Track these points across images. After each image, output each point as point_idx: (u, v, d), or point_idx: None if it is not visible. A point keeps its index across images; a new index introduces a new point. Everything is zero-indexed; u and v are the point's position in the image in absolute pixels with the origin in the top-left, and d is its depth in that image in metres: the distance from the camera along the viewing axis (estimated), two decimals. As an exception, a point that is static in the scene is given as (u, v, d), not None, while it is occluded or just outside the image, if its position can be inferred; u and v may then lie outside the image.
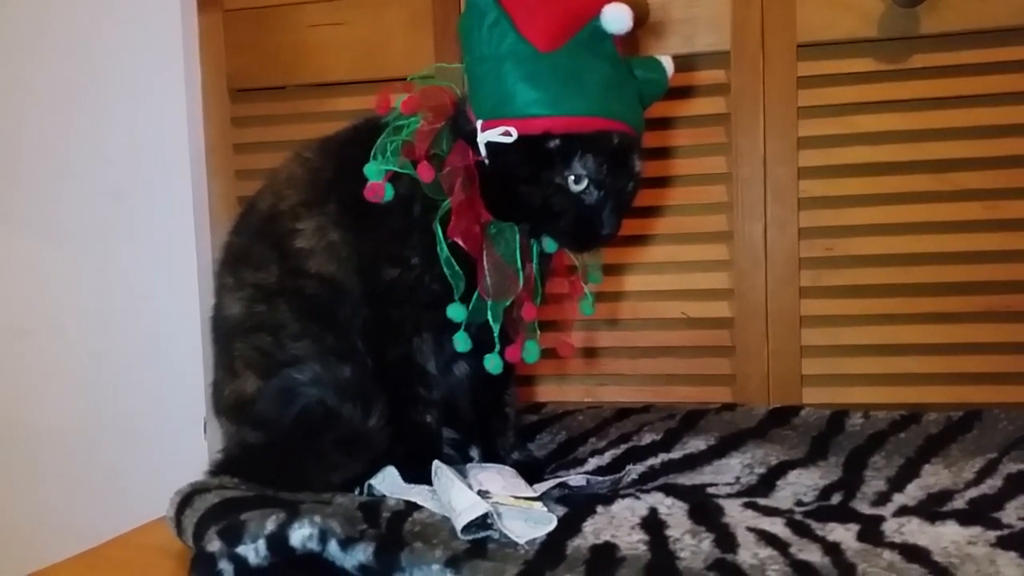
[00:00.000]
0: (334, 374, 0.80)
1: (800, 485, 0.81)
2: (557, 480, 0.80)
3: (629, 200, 0.79)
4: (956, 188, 1.08)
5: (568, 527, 0.68)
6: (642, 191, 0.81)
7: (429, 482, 0.75)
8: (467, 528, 0.66)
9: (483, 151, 0.76)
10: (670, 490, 0.77)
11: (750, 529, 0.67)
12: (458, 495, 0.69)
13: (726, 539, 0.65)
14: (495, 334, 0.78)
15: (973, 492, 0.76)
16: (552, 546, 0.65)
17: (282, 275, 0.83)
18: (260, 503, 0.68)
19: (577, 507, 0.72)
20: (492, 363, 0.79)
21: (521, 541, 0.65)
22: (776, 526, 0.68)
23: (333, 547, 0.63)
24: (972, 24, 1.05)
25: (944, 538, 0.64)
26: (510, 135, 0.74)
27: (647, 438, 0.94)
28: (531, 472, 0.82)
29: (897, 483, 0.80)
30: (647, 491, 0.77)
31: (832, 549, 0.63)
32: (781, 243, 1.12)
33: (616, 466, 0.88)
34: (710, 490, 0.81)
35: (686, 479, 0.84)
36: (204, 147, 1.30)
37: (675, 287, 1.16)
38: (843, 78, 1.10)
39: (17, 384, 1.36)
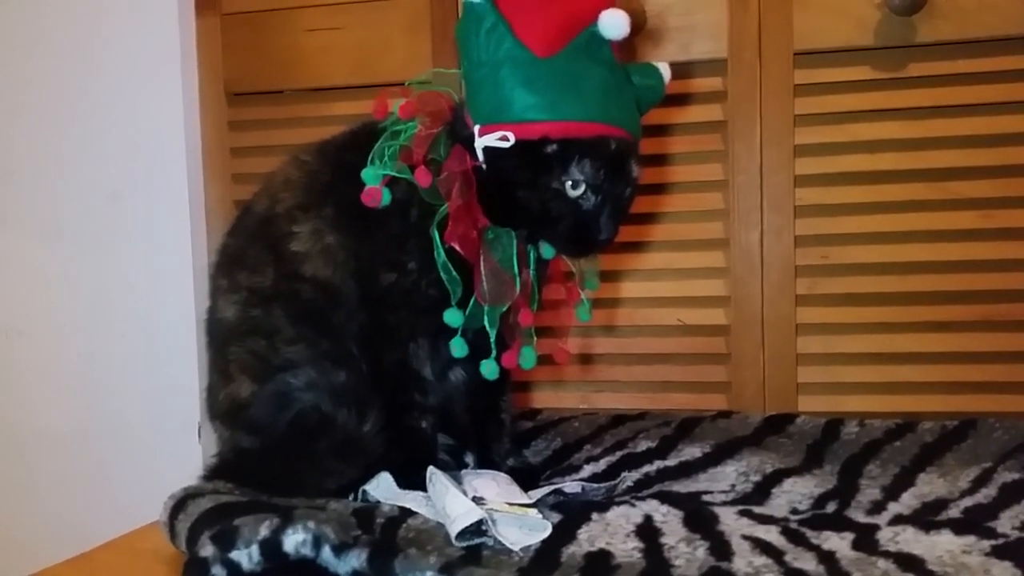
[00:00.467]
0: (329, 379, 0.80)
1: (795, 493, 0.81)
2: (552, 487, 0.80)
3: (627, 205, 0.79)
4: (953, 197, 1.08)
5: (563, 534, 0.68)
6: (639, 198, 0.81)
7: (424, 488, 0.75)
8: (461, 535, 0.66)
9: (480, 156, 0.76)
10: (665, 497, 0.77)
11: (745, 537, 0.67)
12: (453, 501, 0.69)
13: (721, 547, 0.65)
14: (492, 339, 0.78)
15: (968, 501, 0.76)
16: (547, 553, 0.65)
17: (277, 278, 0.83)
18: (254, 508, 0.68)
19: (572, 514, 0.72)
20: (488, 369, 0.78)
21: (516, 548, 0.65)
22: (771, 534, 0.68)
23: (327, 553, 0.63)
24: (968, 33, 1.05)
25: (939, 547, 0.64)
26: (508, 140, 0.74)
27: (642, 445, 0.94)
28: (526, 479, 0.82)
29: (892, 492, 0.80)
30: (642, 498, 0.77)
31: (827, 558, 0.63)
32: (777, 251, 1.12)
33: (611, 473, 0.88)
34: (705, 498, 0.80)
35: (681, 486, 0.84)
36: (201, 151, 1.30)
37: (671, 294, 1.16)
38: (840, 86, 1.10)
39: (11, 386, 1.35)
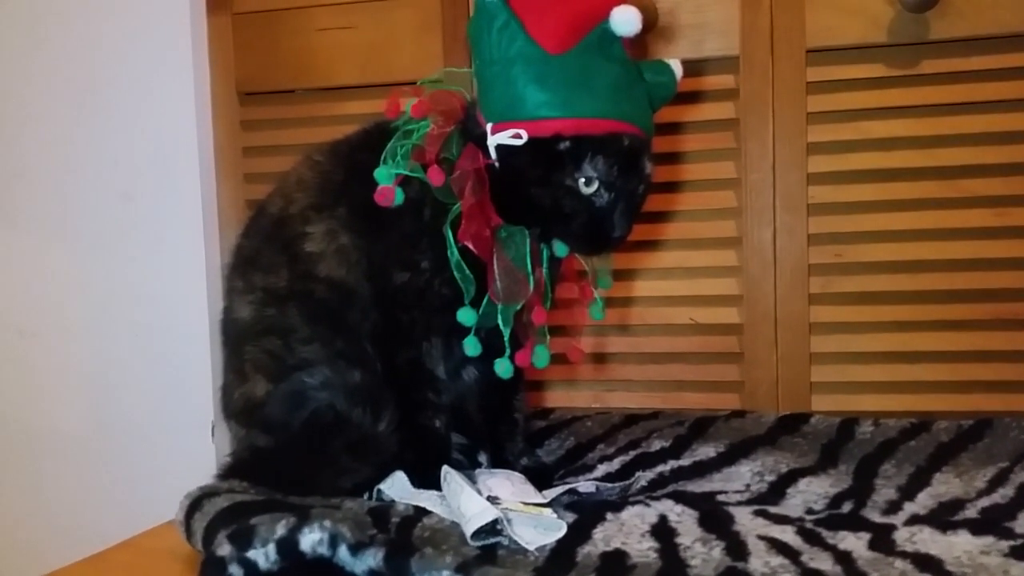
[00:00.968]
0: (344, 378, 0.80)
1: (810, 493, 0.81)
2: (566, 486, 0.80)
3: (640, 202, 0.79)
4: (966, 195, 1.07)
5: (578, 534, 0.68)
6: (651, 196, 0.81)
7: (438, 487, 0.75)
8: (477, 534, 0.65)
9: (493, 154, 0.76)
10: (680, 497, 0.77)
11: (761, 537, 0.67)
12: (468, 501, 0.69)
13: (737, 547, 0.65)
14: (506, 338, 0.78)
15: (985, 501, 0.76)
16: (562, 553, 0.65)
17: (292, 279, 0.83)
18: (270, 507, 0.68)
19: (587, 514, 0.72)
20: (502, 367, 0.78)
21: (531, 548, 0.65)
22: (787, 534, 0.68)
23: (343, 552, 0.63)
24: (982, 30, 1.05)
25: (956, 547, 0.64)
26: (520, 137, 0.74)
27: (656, 445, 0.94)
28: (540, 478, 0.82)
29: (908, 492, 0.80)
30: (657, 498, 0.77)
31: (843, 558, 0.63)
32: (790, 249, 1.11)
33: (625, 473, 0.88)
34: (720, 498, 0.80)
35: (696, 486, 0.84)
36: (213, 150, 1.30)
37: (684, 293, 1.15)
38: (852, 84, 1.09)
39: (24, 386, 1.36)
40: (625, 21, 0.73)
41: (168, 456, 1.28)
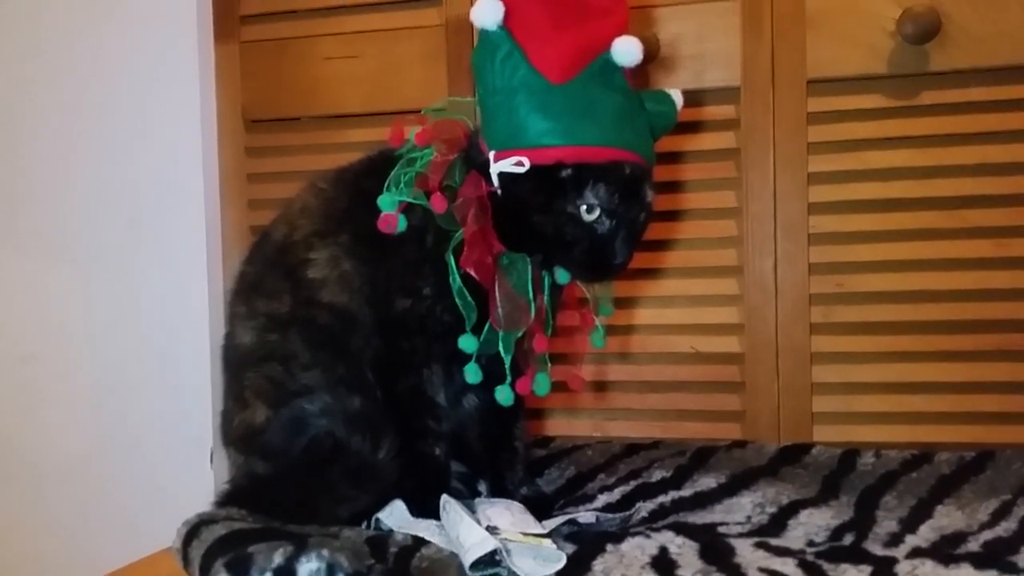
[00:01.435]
0: (344, 405, 0.80)
1: (812, 525, 0.80)
2: (566, 517, 0.79)
3: (641, 230, 0.79)
4: (967, 225, 1.07)
5: (578, 565, 0.67)
6: (652, 224, 0.82)
7: (437, 516, 0.75)
8: (476, 564, 0.65)
9: (496, 182, 0.77)
10: (680, 529, 0.76)
11: (762, 570, 0.66)
12: (467, 530, 0.69)
13: (738, 579, 0.65)
14: (507, 366, 0.78)
15: (987, 534, 0.75)
16: (562, 583, 0.64)
17: (294, 305, 0.83)
18: (267, 535, 0.67)
19: (586, 545, 0.71)
20: (503, 395, 0.78)
21: (530, 578, 0.65)
22: (788, 566, 0.67)
23: (340, 581, 0.63)
24: (981, 61, 1.06)
25: (960, 581, 0.63)
26: (523, 165, 0.74)
27: (657, 475, 0.93)
28: (540, 508, 0.82)
29: (910, 524, 0.79)
30: (657, 529, 0.76)
31: (846, 590, 0.62)
32: (791, 279, 1.11)
33: (626, 503, 0.87)
34: (721, 529, 0.80)
35: (696, 517, 0.83)
36: (218, 176, 1.31)
37: (685, 321, 1.15)
38: (853, 114, 1.10)
39: (25, 410, 1.36)
40: (627, 52, 0.74)
41: (166, 481, 1.27)
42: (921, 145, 1.09)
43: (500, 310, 0.77)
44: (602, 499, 0.89)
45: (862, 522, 0.80)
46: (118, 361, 1.32)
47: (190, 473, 1.25)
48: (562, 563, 0.67)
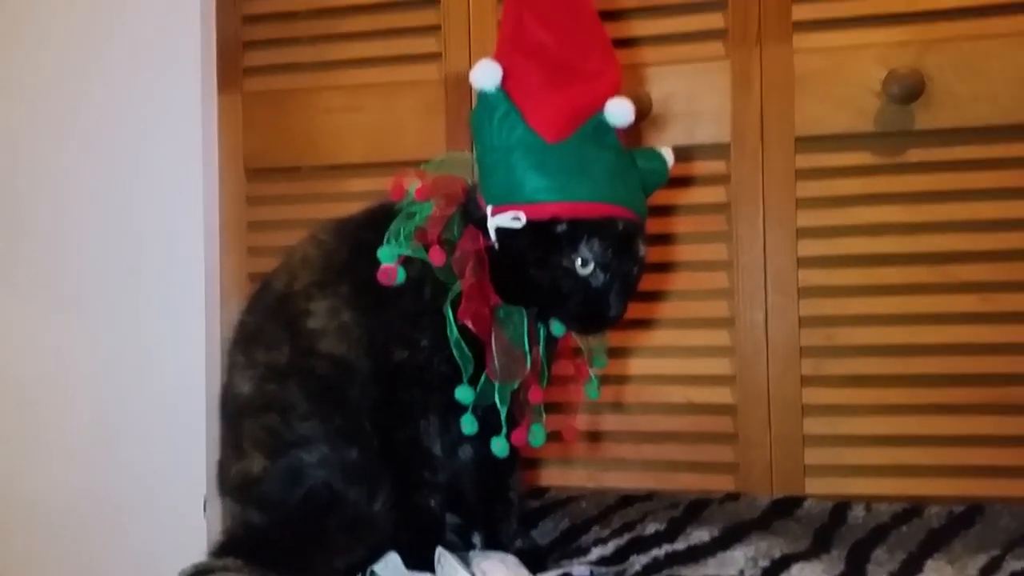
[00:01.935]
0: (341, 456, 0.80)
1: (804, 578, 0.81)
2: (560, 570, 0.80)
3: (634, 283, 0.81)
4: (954, 280, 1.09)
5: (572, 617, 0.67)
6: (646, 276, 0.83)
7: (432, 569, 0.75)
8: (470, 616, 0.65)
9: (493, 236, 0.78)
10: (674, 581, 0.77)
11: (755, 623, 0.67)
12: (461, 582, 0.69)
13: (731, 633, 0.65)
14: (502, 416, 0.79)
15: (978, 590, 0.76)
16: (555, 637, 0.64)
17: (293, 355, 0.84)
18: (263, 586, 0.68)
19: (581, 597, 0.72)
20: (499, 446, 0.79)
21: (524, 631, 0.65)
22: (781, 620, 0.67)
23: (335, 633, 0.63)
24: (964, 122, 1.09)
25: (950, 637, 0.64)
26: (519, 220, 0.76)
27: (651, 528, 0.93)
28: (534, 561, 0.82)
29: (901, 578, 0.80)
30: (651, 582, 0.77)
31: (838, 646, 0.63)
32: (782, 331, 1.13)
33: (620, 556, 0.87)
34: (714, 582, 0.80)
35: (690, 571, 0.83)
36: (218, 224, 1.32)
37: (678, 372, 1.17)
38: (841, 171, 1.13)
39: (22, 456, 1.35)
40: (619, 113, 0.76)
41: (160, 530, 1.26)
42: (908, 201, 1.11)
43: (496, 361, 0.78)
44: (596, 552, 0.89)
45: (853, 576, 0.81)
46: (115, 408, 1.31)
47: (184, 522, 1.24)
48: (556, 616, 0.67)
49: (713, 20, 1.16)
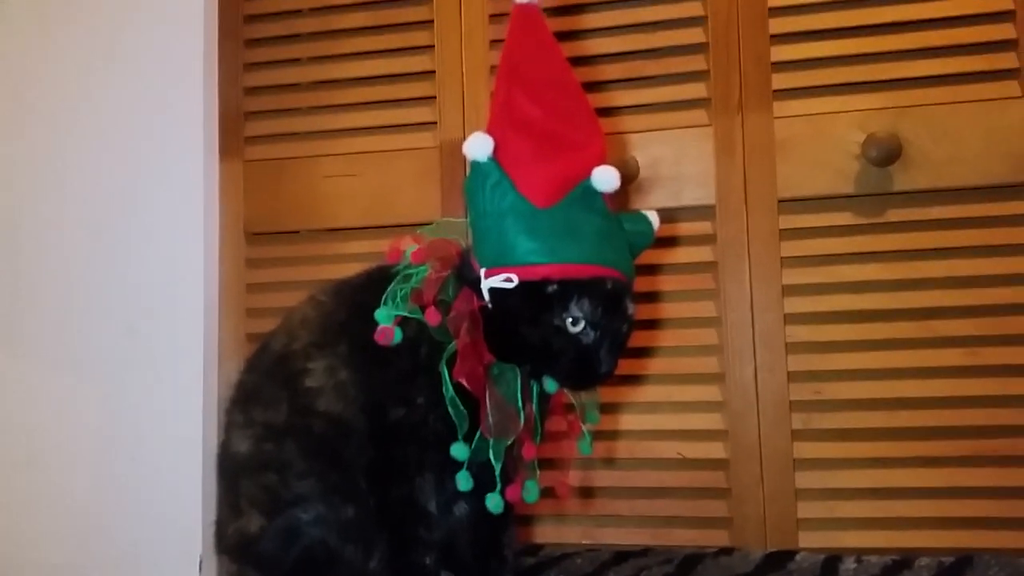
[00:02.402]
0: (338, 514, 0.81)
1: (797, 631, 0.81)
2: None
3: (624, 340, 0.83)
4: (938, 335, 1.12)
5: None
6: (637, 333, 0.85)
7: (427, 625, 0.75)
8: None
9: (487, 297, 0.81)
10: (668, 636, 0.77)
11: (747, 675, 0.67)
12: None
13: None
14: (496, 473, 0.80)
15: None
16: None
17: (291, 413, 0.85)
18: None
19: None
20: (493, 502, 0.80)
21: None
22: (773, 672, 0.68)
23: None
24: (941, 183, 1.13)
25: None
26: (512, 281, 0.78)
27: (645, 582, 0.94)
28: (529, 615, 0.82)
29: (892, 630, 0.81)
30: (645, 636, 0.77)
31: None
32: (771, 386, 1.15)
33: (614, 611, 0.88)
34: (708, 636, 0.80)
35: (684, 624, 0.84)
36: (218, 286, 1.34)
37: (670, 427, 1.18)
38: (823, 230, 1.16)
39: (17, 515, 1.34)
40: (605, 180, 0.79)
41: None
42: (889, 259, 1.14)
43: (491, 418, 0.79)
44: (591, 608, 0.89)
45: (846, 629, 0.82)
46: (113, 466, 1.32)
47: (179, 583, 1.24)
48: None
49: (696, 89, 1.21)
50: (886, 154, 1.12)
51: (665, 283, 1.20)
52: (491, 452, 0.80)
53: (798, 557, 0.98)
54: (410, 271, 0.85)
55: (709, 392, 1.18)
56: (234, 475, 0.88)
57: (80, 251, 1.36)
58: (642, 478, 1.18)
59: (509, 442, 0.81)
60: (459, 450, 0.80)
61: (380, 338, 0.81)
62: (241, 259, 1.35)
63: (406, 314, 0.82)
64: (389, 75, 1.31)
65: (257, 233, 1.35)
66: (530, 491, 0.82)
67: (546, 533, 1.19)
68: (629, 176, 1.17)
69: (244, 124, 1.36)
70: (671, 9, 1.22)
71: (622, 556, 1.04)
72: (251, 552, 0.83)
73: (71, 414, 1.34)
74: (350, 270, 0.94)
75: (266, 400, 0.88)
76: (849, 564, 0.95)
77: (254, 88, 1.37)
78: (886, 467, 1.11)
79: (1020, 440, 1.09)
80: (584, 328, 0.79)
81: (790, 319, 1.16)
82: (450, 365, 0.80)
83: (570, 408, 0.91)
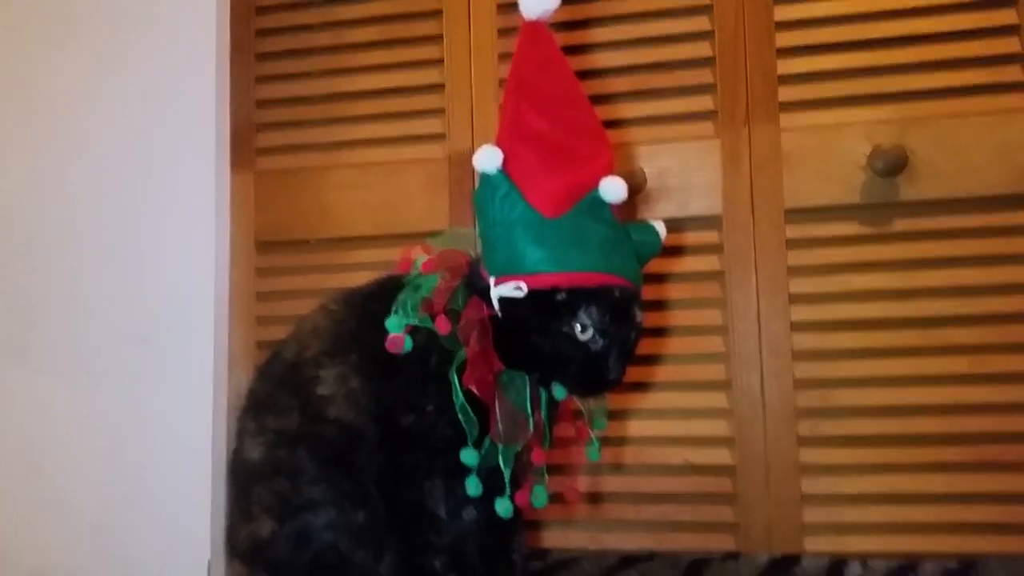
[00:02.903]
0: (348, 519, 0.82)
1: (803, 636, 0.82)
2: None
3: (632, 347, 0.83)
4: (943, 343, 1.13)
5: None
6: (645, 341, 0.86)
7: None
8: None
9: (496, 305, 0.82)
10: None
11: None
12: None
13: None
14: (506, 478, 0.81)
15: (973, 645, 0.77)
16: None
17: (303, 421, 0.87)
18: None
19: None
20: (503, 506, 0.81)
21: None
22: (779, 676, 0.69)
23: None
24: (947, 193, 1.14)
25: None
26: (521, 290, 0.80)
27: (652, 587, 0.95)
28: (537, 620, 0.83)
29: (898, 634, 0.81)
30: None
31: None
32: (778, 393, 1.16)
33: (622, 615, 0.89)
34: (714, 640, 0.81)
35: (691, 628, 0.85)
36: (229, 294, 1.36)
37: (677, 433, 1.19)
38: (830, 240, 1.17)
39: (28, 523, 1.36)
40: (613, 190, 0.81)
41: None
42: (896, 269, 1.15)
43: (500, 424, 0.81)
44: (599, 612, 0.90)
45: (851, 633, 0.82)
46: (121, 475, 1.33)
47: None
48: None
49: (703, 102, 1.22)
50: (892, 165, 1.13)
51: (673, 292, 1.21)
52: (501, 458, 0.81)
53: (804, 561, 0.99)
54: (420, 280, 0.86)
55: (716, 399, 1.18)
56: (246, 481, 0.89)
57: (93, 261, 1.37)
58: (649, 484, 1.19)
59: (518, 448, 0.82)
60: (469, 456, 0.81)
61: (391, 346, 0.82)
62: (252, 268, 1.36)
63: (416, 323, 0.83)
64: (399, 88, 1.33)
65: (268, 242, 1.36)
66: (539, 495, 0.83)
67: (554, 538, 1.20)
68: (637, 187, 1.18)
69: (255, 136, 1.38)
70: (679, 24, 1.24)
71: (628, 561, 1.05)
72: (263, 556, 0.84)
73: (82, 422, 1.36)
74: (359, 279, 0.95)
75: (278, 408, 0.89)
76: (854, 568, 0.96)
77: (265, 101, 1.38)
78: (891, 473, 1.12)
79: (1025, 447, 1.09)
80: (593, 335, 0.80)
81: (796, 327, 1.16)
82: (460, 372, 0.81)
83: (578, 415, 0.92)
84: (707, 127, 1.22)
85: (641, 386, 1.20)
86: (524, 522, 0.94)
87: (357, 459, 0.86)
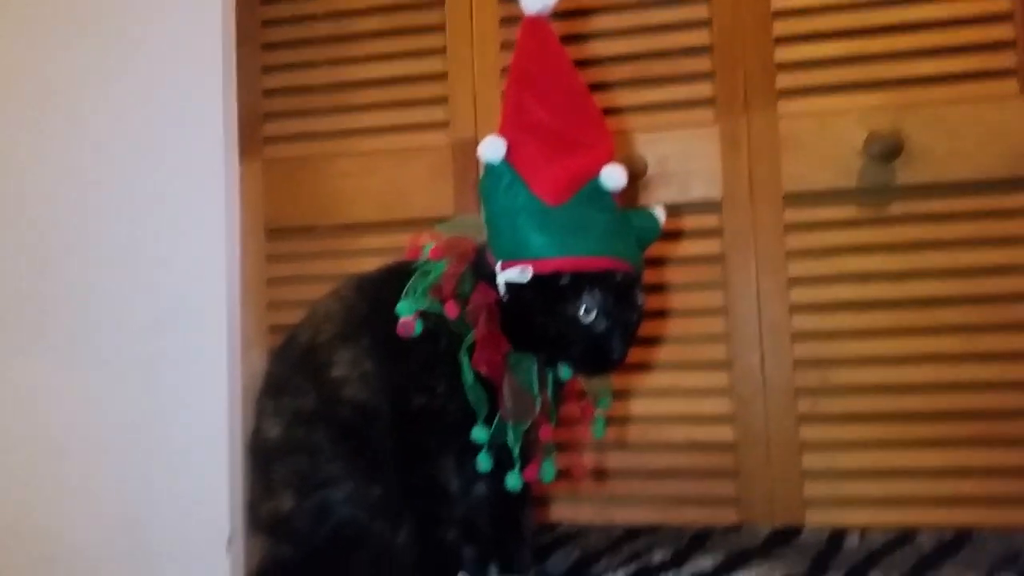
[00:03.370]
0: (365, 493, 0.86)
1: (802, 601, 0.85)
2: (572, 596, 0.84)
3: (634, 329, 0.86)
4: (938, 323, 1.15)
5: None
6: (647, 322, 0.88)
7: (451, 600, 0.80)
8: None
9: (503, 290, 0.85)
10: (679, 606, 0.81)
11: (753, 641, 0.72)
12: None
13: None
14: (515, 454, 0.84)
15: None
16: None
17: (319, 401, 0.89)
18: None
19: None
20: (513, 480, 0.85)
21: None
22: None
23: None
24: (942, 177, 1.16)
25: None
26: (526, 274, 0.82)
27: (657, 556, 0.98)
28: (547, 590, 0.87)
29: (893, 599, 0.84)
30: (657, 607, 0.81)
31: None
32: (778, 372, 1.19)
33: (628, 584, 0.92)
34: (717, 606, 0.85)
35: (695, 596, 0.88)
36: (240, 280, 1.38)
37: (680, 411, 1.22)
38: (828, 224, 1.19)
39: (48, 502, 1.39)
40: (613, 178, 0.83)
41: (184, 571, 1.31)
42: (893, 251, 1.17)
43: (509, 403, 0.84)
44: (606, 580, 0.93)
45: (848, 598, 0.85)
46: (140, 457, 1.35)
47: (206, 565, 1.29)
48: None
49: (702, 90, 1.25)
50: (888, 150, 1.15)
51: (674, 274, 1.23)
52: (509, 435, 0.85)
53: (804, 533, 1.02)
54: (428, 267, 0.89)
55: (717, 379, 1.21)
56: (266, 459, 0.92)
57: (107, 251, 1.39)
58: (653, 460, 1.22)
59: (527, 425, 0.85)
60: (479, 433, 0.84)
61: (402, 330, 0.85)
62: (262, 254, 1.39)
63: (426, 307, 0.86)
64: (403, 77, 1.35)
65: (277, 229, 1.38)
66: (546, 471, 0.86)
67: (562, 512, 1.23)
68: (637, 173, 1.21)
69: (263, 125, 1.40)
70: (677, 12, 1.26)
71: (634, 532, 1.08)
72: (284, 529, 0.87)
73: (99, 406, 1.38)
74: (366, 264, 0.98)
75: (295, 389, 0.92)
76: (853, 539, 0.99)
77: (272, 90, 1.41)
78: (888, 449, 1.15)
79: (1018, 423, 1.12)
80: (596, 317, 0.82)
81: (795, 309, 1.19)
82: (469, 354, 0.84)
83: (583, 394, 0.94)
84: (706, 114, 1.24)
85: (644, 367, 1.23)
86: (533, 496, 0.97)
87: (372, 437, 0.88)
